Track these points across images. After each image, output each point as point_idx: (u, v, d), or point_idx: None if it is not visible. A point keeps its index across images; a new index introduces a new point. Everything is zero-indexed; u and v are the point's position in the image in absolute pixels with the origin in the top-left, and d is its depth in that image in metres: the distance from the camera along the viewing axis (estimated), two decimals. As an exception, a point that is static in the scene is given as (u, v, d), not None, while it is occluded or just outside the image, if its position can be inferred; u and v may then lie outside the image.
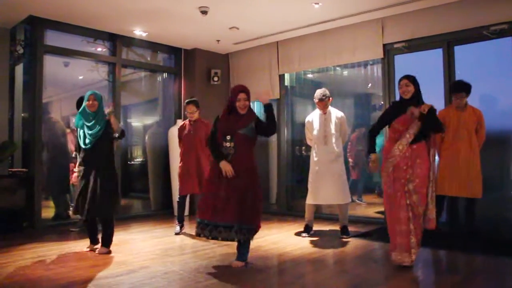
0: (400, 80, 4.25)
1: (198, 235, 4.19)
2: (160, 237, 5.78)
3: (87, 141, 4.63)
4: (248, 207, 4.08)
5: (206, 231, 4.10)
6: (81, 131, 4.70)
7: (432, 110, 4.08)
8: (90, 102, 4.68)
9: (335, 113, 5.71)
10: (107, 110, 4.72)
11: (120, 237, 5.71)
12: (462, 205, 5.41)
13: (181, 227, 6.02)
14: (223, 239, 4.12)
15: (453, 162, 5.18)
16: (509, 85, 5.54)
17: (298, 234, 5.83)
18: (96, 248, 4.85)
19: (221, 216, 4.05)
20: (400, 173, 4.07)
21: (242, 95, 4.20)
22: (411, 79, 4.20)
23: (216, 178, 4.15)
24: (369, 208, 7.86)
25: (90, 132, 4.63)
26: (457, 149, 5.20)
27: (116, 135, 4.80)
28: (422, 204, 4.05)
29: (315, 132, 5.70)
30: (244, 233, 4.07)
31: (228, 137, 4.15)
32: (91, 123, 4.65)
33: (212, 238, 4.14)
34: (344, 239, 5.47)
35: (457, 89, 5.28)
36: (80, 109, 4.77)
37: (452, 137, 5.21)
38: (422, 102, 4.14)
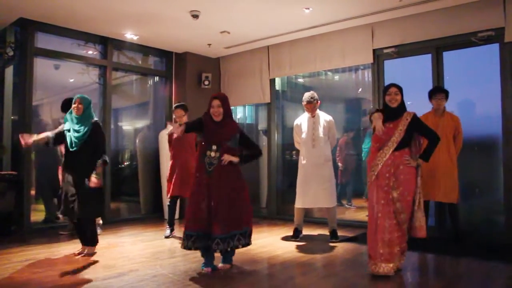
0: (388, 87, 4.19)
1: (188, 248, 4.06)
2: (150, 241, 5.77)
3: (73, 144, 4.65)
4: (237, 214, 4.07)
5: (192, 242, 4.02)
6: (68, 134, 4.71)
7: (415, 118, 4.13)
8: (75, 105, 4.72)
9: (324, 117, 5.73)
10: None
11: (109, 240, 5.72)
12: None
13: (171, 230, 6.01)
14: (197, 248, 4.07)
15: (431, 168, 5.21)
16: (496, 91, 5.60)
17: (287, 238, 5.85)
18: (85, 249, 4.86)
19: (211, 228, 3.98)
20: (383, 181, 4.05)
21: (215, 102, 4.14)
22: (400, 88, 4.17)
23: (201, 188, 4.08)
24: (359, 212, 7.89)
25: (76, 135, 4.64)
26: (435, 154, 5.25)
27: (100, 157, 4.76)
28: (406, 212, 4.02)
29: (303, 135, 5.73)
30: (240, 239, 4.08)
31: (214, 147, 4.09)
32: (77, 126, 4.67)
33: (198, 248, 4.08)
34: (333, 243, 5.49)
35: (436, 91, 5.38)
36: (68, 112, 4.82)
37: None
38: (405, 111, 4.17)
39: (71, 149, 4.68)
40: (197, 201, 4.05)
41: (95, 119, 4.85)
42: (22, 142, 4.63)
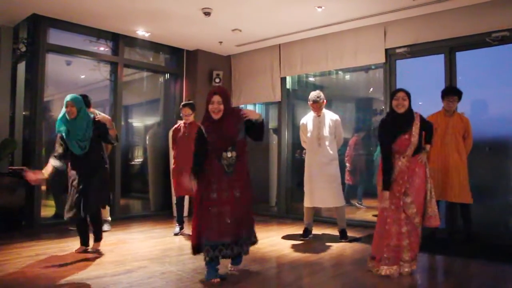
0: (397, 92, 4.14)
1: (215, 257, 3.74)
2: (159, 238, 5.77)
3: (82, 146, 4.51)
4: (246, 220, 3.89)
5: (219, 251, 3.71)
6: (68, 138, 4.50)
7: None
8: (68, 109, 4.47)
9: (330, 116, 5.69)
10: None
11: (119, 236, 5.74)
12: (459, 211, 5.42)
13: (181, 228, 6.02)
14: (224, 257, 3.80)
15: (441, 168, 5.18)
16: (510, 92, 5.53)
17: (296, 237, 5.82)
18: (87, 249, 4.86)
19: (221, 235, 3.70)
20: (396, 187, 4.02)
21: (215, 98, 3.73)
22: (408, 94, 4.11)
23: (222, 192, 3.76)
24: (369, 212, 7.84)
25: (81, 143, 4.51)
26: (445, 154, 5.23)
27: (113, 142, 4.86)
28: (419, 214, 4.00)
29: (308, 134, 5.70)
30: (247, 244, 3.94)
31: (230, 148, 3.75)
32: (77, 131, 4.48)
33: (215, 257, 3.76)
34: (343, 243, 5.46)
35: (450, 92, 5.32)
36: (60, 116, 4.55)
37: (440, 142, 5.25)
38: (413, 115, 4.12)
39: (80, 152, 4.53)
40: (219, 208, 3.73)
41: (92, 115, 4.74)
42: (28, 179, 4.43)
